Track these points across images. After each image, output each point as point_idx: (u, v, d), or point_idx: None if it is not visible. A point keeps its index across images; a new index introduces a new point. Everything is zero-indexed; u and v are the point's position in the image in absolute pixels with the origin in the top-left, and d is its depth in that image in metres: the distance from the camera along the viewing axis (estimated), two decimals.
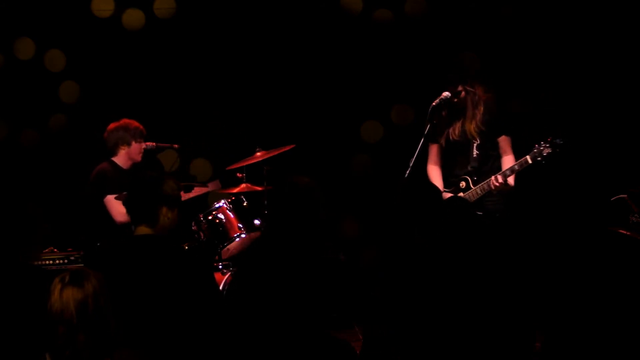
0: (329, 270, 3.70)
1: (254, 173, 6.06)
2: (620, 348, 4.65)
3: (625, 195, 5.08)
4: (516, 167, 5.04)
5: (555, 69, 6.49)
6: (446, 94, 5.23)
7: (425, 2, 6.73)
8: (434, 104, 5.22)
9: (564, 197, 6.34)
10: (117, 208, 5.38)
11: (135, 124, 5.69)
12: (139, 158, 5.70)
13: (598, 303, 5.09)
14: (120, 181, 5.49)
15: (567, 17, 6.44)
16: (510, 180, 5.11)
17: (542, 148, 4.93)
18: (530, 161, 4.97)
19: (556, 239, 6.13)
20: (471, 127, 5.24)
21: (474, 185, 5.18)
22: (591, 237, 5.52)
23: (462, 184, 5.23)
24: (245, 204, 5.90)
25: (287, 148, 5.97)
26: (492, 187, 5.06)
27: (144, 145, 5.71)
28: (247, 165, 6.01)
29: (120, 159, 5.66)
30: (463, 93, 5.24)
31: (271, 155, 5.96)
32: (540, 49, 6.47)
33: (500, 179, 5.05)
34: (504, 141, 5.26)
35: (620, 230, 5.02)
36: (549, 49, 6.47)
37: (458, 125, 5.31)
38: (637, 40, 6.30)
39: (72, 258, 5.25)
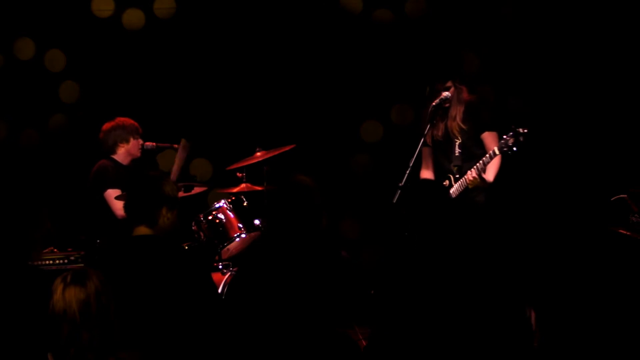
0: (331, 268, 3.69)
1: (254, 173, 6.05)
2: (620, 348, 4.65)
3: (625, 195, 5.08)
4: (486, 159, 5.04)
5: (555, 69, 6.49)
6: (446, 93, 5.25)
7: (425, 2, 6.73)
8: (433, 103, 5.24)
9: (564, 196, 6.34)
10: (117, 203, 5.38)
11: (130, 121, 5.71)
12: (138, 154, 5.74)
13: (598, 303, 5.10)
14: (120, 177, 5.51)
15: (567, 16, 6.44)
16: (489, 175, 5.10)
17: (507, 138, 4.93)
18: (497, 152, 4.97)
19: (556, 239, 6.13)
20: (453, 125, 5.26)
21: (455, 183, 5.19)
22: (591, 237, 5.52)
23: (446, 183, 5.26)
24: (245, 204, 5.89)
25: (287, 148, 5.97)
26: (467, 182, 5.07)
27: (141, 141, 5.73)
28: (247, 165, 6.00)
29: (120, 156, 5.68)
30: (453, 88, 5.26)
31: (271, 155, 5.96)
32: (541, 48, 6.47)
33: (473, 173, 5.05)
34: (488, 138, 5.25)
35: (620, 230, 5.02)
36: (550, 48, 6.47)
37: (442, 125, 5.33)
38: (638, 39, 6.31)
39: (72, 258, 5.26)
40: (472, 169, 5.07)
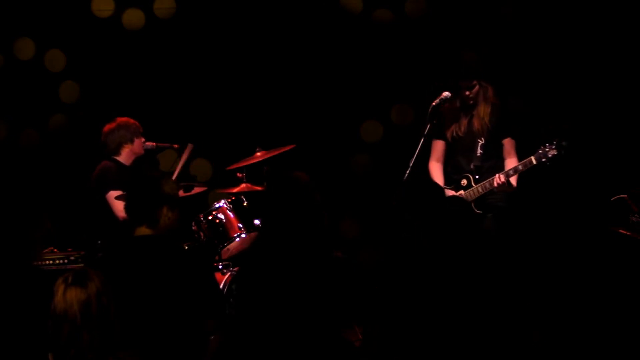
0: (330, 269, 3.69)
1: (254, 173, 6.06)
2: (619, 347, 4.66)
3: (625, 195, 5.08)
4: (520, 167, 5.04)
5: (556, 69, 6.49)
6: (446, 94, 5.23)
7: (425, 2, 6.73)
8: (433, 103, 5.23)
9: (564, 196, 6.34)
10: (119, 205, 5.37)
11: (130, 120, 5.71)
12: (142, 151, 5.74)
13: (598, 302, 5.10)
14: (123, 178, 5.49)
15: (566, 17, 6.44)
16: (513, 180, 5.11)
17: (547, 150, 4.91)
18: (534, 162, 4.96)
19: (557, 239, 6.13)
20: (480, 124, 5.24)
21: (475, 184, 5.18)
22: (591, 237, 5.52)
23: (464, 182, 5.24)
24: (245, 204, 5.89)
25: (287, 148, 5.97)
26: (495, 185, 5.06)
27: (143, 139, 5.73)
28: (247, 165, 6.01)
29: (124, 157, 5.67)
30: (477, 87, 5.24)
31: (271, 155, 5.96)
32: (542, 48, 6.47)
33: (502, 178, 5.05)
34: (508, 143, 5.27)
35: (620, 230, 5.02)
36: (550, 48, 6.47)
37: (465, 122, 5.32)
38: (637, 40, 6.31)
39: (72, 258, 5.26)
40: (501, 174, 5.05)
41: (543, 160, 4.92)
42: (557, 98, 6.48)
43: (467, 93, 5.25)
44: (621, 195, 5.10)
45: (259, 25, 6.81)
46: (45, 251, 5.16)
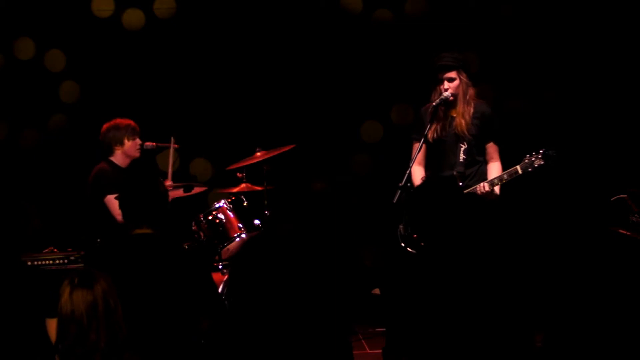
0: (342, 271, 3.68)
1: (254, 173, 6.06)
2: (620, 348, 4.65)
3: (625, 195, 5.08)
4: (505, 176, 4.98)
5: (555, 69, 6.49)
6: (446, 94, 5.17)
7: (425, 2, 6.73)
8: (433, 103, 5.19)
9: (564, 197, 6.34)
10: (117, 208, 5.35)
11: (126, 121, 5.66)
12: (137, 154, 5.67)
13: (598, 303, 5.09)
14: (119, 180, 5.47)
15: (567, 16, 6.45)
16: (496, 189, 5.06)
17: (533, 159, 4.86)
18: (520, 172, 4.91)
19: (556, 239, 6.13)
20: (462, 123, 5.15)
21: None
22: (591, 237, 5.52)
23: None
24: (245, 204, 5.89)
25: (287, 148, 5.97)
26: (479, 194, 5.01)
27: (139, 142, 5.67)
28: (247, 165, 6.01)
29: (117, 158, 5.63)
30: (457, 81, 5.16)
31: (271, 155, 5.96)
32: (541, 48, 6.48)
33: (487, 187, 4.99)
34: (491, 147, 5.18)
35: (620, 230, 5.02)
36: (550, 48, 6.47)
37: (445, 123, 5.20)
38: (637, 39, 6.31)
39: (72, 258, 5.24)
40: (486, 183, 5.00)
41: (529, 170, 4.87)
42: (557, 98, 6.48)
43: (447, 87, 5.12)
44: (621, 195, 5.10)
45: (259, 25, 6.81)
46: (45, 251, 5.16)
